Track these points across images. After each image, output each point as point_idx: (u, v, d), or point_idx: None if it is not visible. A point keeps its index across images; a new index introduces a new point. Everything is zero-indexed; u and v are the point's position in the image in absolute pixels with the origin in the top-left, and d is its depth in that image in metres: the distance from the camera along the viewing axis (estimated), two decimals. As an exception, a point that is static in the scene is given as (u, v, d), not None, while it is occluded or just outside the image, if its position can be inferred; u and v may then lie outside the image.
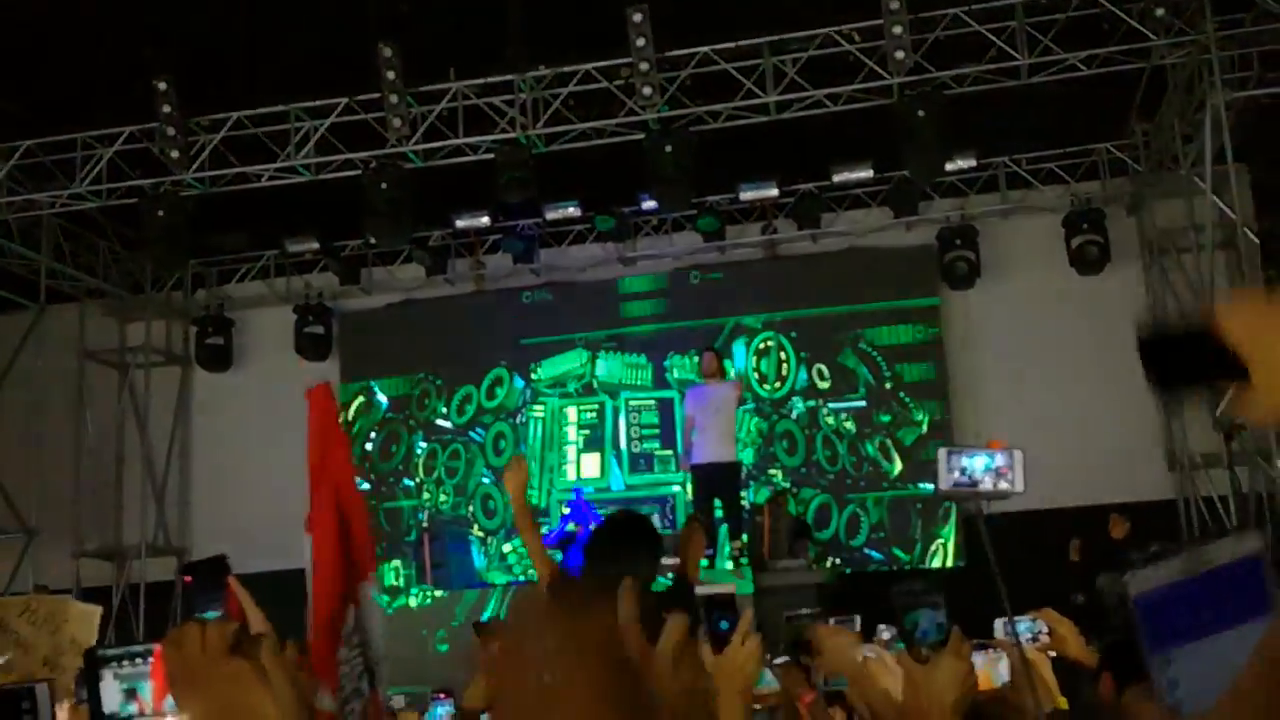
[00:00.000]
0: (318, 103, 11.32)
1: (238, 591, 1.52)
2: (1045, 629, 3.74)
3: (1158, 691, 1.03)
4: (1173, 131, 11.44)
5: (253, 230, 13.74)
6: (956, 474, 2.79)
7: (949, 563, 12.38)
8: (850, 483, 12.80)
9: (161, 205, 11.39)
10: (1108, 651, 3.47)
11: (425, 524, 13.38)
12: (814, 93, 10.75)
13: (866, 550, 12.63)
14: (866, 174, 12.35)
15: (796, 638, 3.27)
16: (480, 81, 11.17)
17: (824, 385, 13.01)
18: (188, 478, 14.30)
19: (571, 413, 13.44)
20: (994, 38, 10.36)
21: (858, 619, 5.83)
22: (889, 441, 12.79)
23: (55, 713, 2.39)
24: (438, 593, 12.09)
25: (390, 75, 10.68)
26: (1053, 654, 3.70)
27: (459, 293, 14.07)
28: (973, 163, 12.11)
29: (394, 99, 10.80)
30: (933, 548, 12.49)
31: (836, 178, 12.38)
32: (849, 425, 12.91)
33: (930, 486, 12.29)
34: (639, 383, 13.36)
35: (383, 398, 13.91)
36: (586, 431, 13.37)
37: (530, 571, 5.18)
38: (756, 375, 13.10)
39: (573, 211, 12.85)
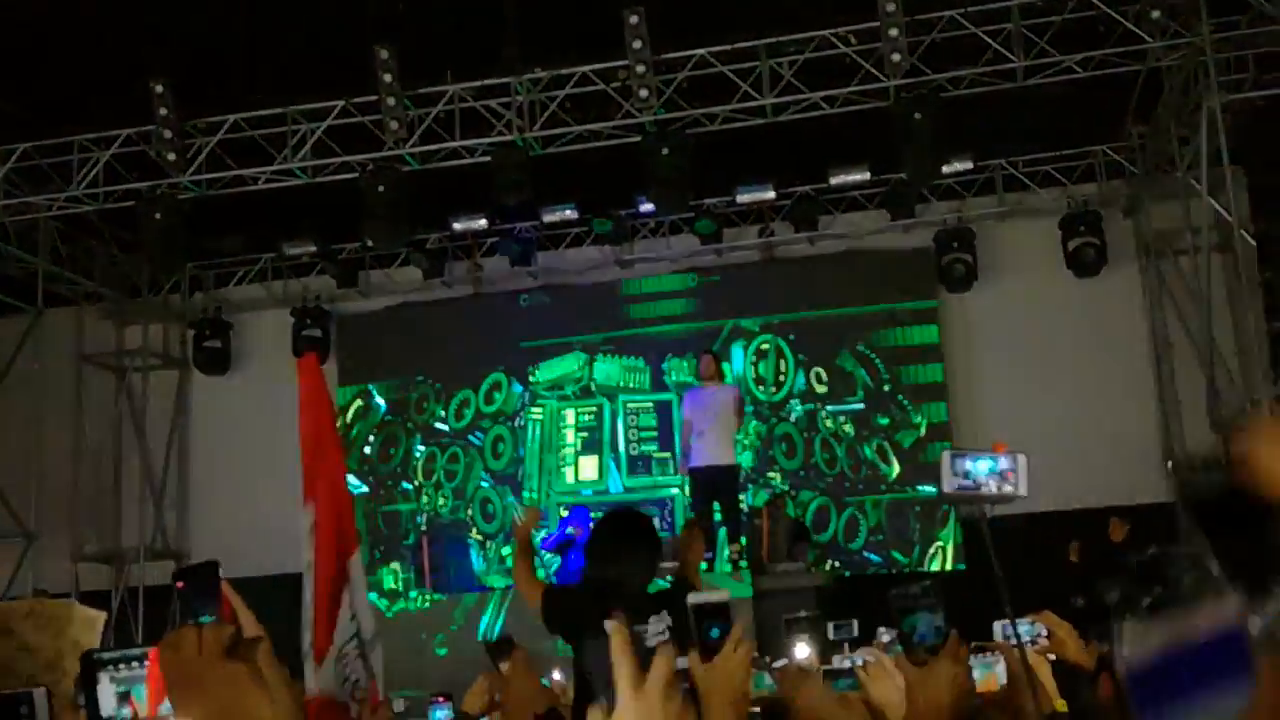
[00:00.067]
0: (315, 105, 11.33)
1: (230, 596, 1.52)
2: (1044, 632, 3.74)
3: None
4: (1169, 134, 11.44)
5: (250, 233, 13.73)
6: (960, 478, 2.79)
7: (948, 566, 12.37)
8: (849, 485, 12.80)
9: (159, 208, 11.39)
10: (1106, 654, 3.47)
11: (424, 528, 13.39)
12: (811, 95, 10.75)
13: (865, 553, 12.62)
14: (863, 176, 12.35)
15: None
16: (477, 84, 11.17)
17: (822, 388, 13.01)
18: (186, 481, 14.29)
19: (570, 415, 13.45)
20: (990, 40, 10.37)
21: (855, 623, 5.84)
22: (887, 444, 12.79)
23: (54, 718, 2.39)
24: (436, 596, 12.09)
25: (387, 78, 10.69)
26: (1052, 657, 3.70)
27: (456, 295, 14.07)
28: (969, 165, 12.12)
29: (391, 101, 10.80)
30: (931, 550, 12.48)
31: (834, 180, 12.38)
32: (847, 428, 12.92)
33: (929, 489, 12.31)
34: (637, 386, 13.36)
35: (381, 401, 13.90)
36: (585, 434, 13.38)
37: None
38: (755, 378, 13.11)
39: (570, 214, 12.85)
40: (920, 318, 12.97)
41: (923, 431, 12.72)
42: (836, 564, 12.38)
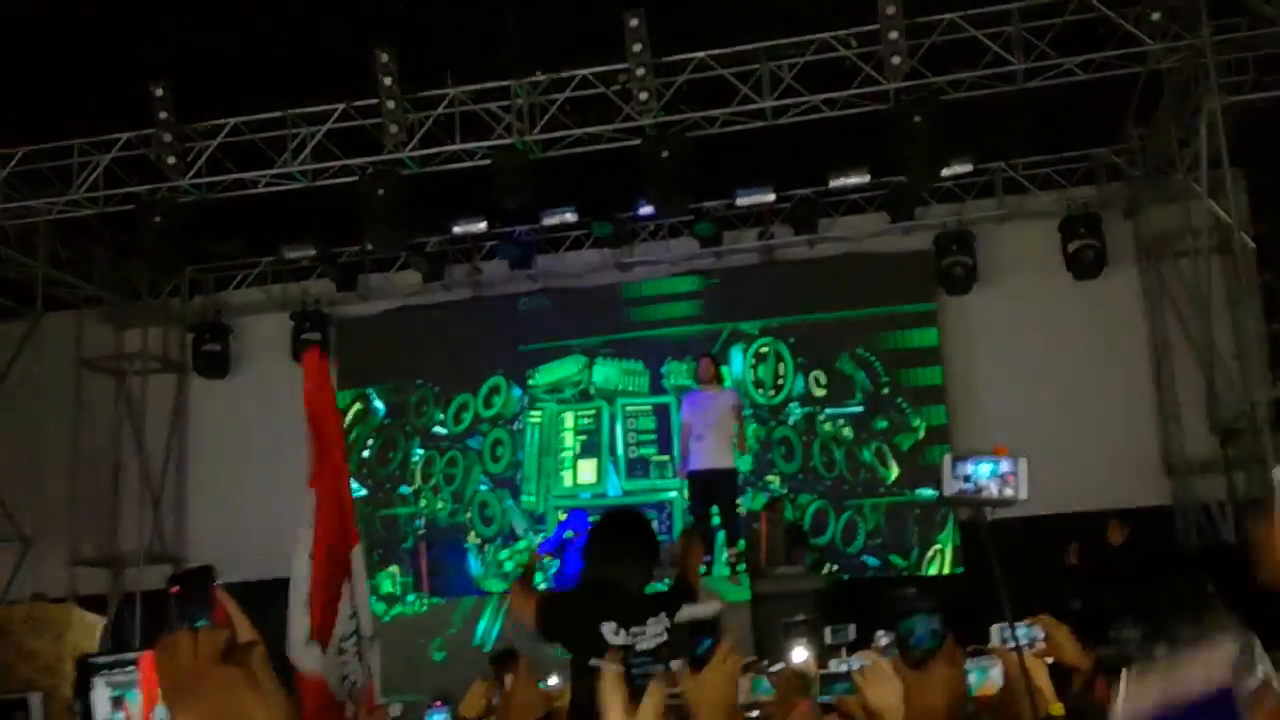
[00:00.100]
0: (315, 109, 11.33)
1: (225, 600, 1.52)
2: (1041, 635, 3.74)
3: None
4: (1169, 136, 11.44)
5: (249, 237, 13.72)
6: (961, 481, 2.78)
7: (946, 569, 12.36)
8: (847, 489, 12.79)
9: (158, 211, 11.40)
10: (1103, 657, 3.47)
11: (422, 531, 13.39)
12: (810, 98, 10.75)
13: (863, 557, 12.61)
14: (863, 179, 12.35)
15: None
16: (477, 87, 11.18)
17: (821, 391, 13.01)
18: (184, 485, 14.27)
19: (569, 418, 13.44)
20: (990, 43, 10.37)
21: (852, 626, 5.84)
22: (886, 447, 12.78)
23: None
24: (434, 600, 12.08)
25: (387, 81, 10.69)
26: (1049, 660, 3.70)
27: (456, 299, 14.06)
28: (969, 168, 12.13)
29: (391, 105, 10.81)
30: (930, 554, 12.47)
31: (833, 183, 12.38)
32: (846, 431, 12.91)
33: (928, 492, 12.30)
34: (636, 389, 13.35)
35: (380, 404, 13.89)
36: (584, 437, 13.37)
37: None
38: (754, 381, 13.10)
39: (570, 217, 12.85)
40: (920, 320, 12.97)
41: (922, 434, 12.71)
42: (835, 567, 12.37)
